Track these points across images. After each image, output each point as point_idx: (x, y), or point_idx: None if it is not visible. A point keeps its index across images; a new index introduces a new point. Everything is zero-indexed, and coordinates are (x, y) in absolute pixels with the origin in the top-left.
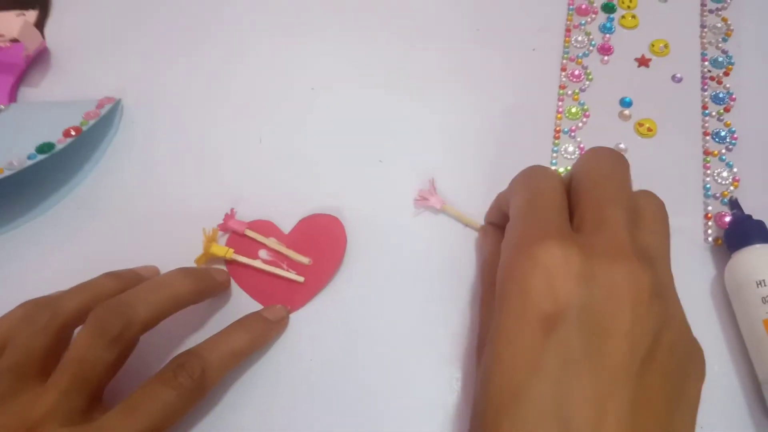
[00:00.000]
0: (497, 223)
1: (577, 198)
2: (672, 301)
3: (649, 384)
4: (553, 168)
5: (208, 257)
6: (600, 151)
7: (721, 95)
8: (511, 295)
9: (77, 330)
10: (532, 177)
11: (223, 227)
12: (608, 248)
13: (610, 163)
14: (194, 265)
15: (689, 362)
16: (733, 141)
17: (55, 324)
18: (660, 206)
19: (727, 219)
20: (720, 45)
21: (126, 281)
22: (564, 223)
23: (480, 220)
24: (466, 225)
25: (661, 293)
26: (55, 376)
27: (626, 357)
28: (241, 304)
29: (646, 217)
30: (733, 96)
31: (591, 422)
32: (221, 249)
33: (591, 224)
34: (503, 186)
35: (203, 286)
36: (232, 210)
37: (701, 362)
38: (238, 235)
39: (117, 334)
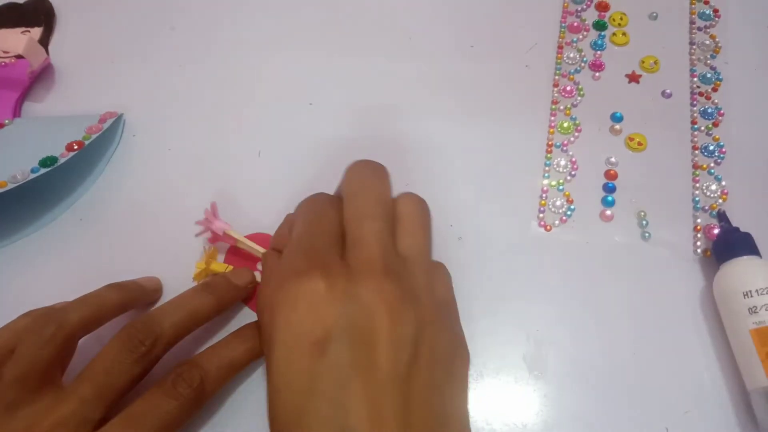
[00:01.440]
0: (280, 248)
1: (344, 215)
2: (429, 304)
3: (416, 381)
4: (335, 196)
5: (208, 273)
6: (356, 166)
7: (709, 110)
8: (280, 325)
9: (82, 340)
10: (311, 206)
11: (205, 224)
12: (362, 266)
13: (364, 176)
14: (193, 281)
15: (452, 353)
16: (722, 155)
17: (60, 335)
18: (417, 208)
19: (716, 231)
20: (708, 61)
21: (129, 292)
22: (333, 250)
23: None
24: (249, 250)
25: (417, 298)
26: (78, 383)
27: (392, 362)
28: (239, 314)
29: (405, 221)
30: (722, 111)
31: (371, 426)
32: (221, 266)
33: (350, 243)
34: (495, 199)
35: (223, 301)
36: (213, 204)
37: (463, 351)
38: (236, 249)
39: (146, 351)
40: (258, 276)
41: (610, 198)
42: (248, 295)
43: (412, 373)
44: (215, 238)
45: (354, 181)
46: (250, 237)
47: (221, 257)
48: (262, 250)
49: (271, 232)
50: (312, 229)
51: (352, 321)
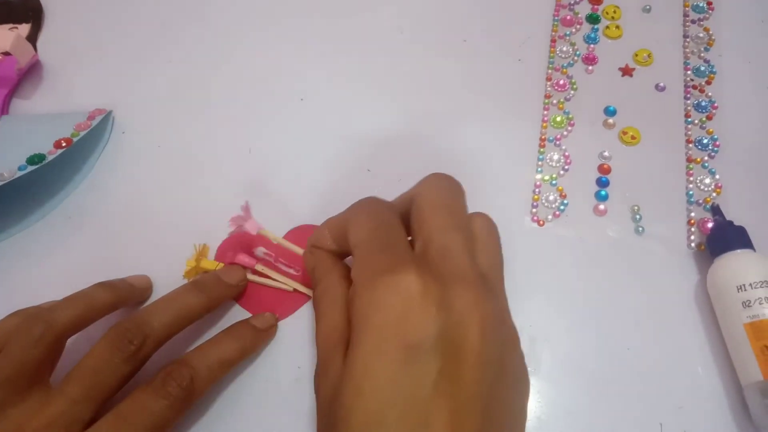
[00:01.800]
0: (325, 249)
1: (418, 225)
2: (509, 325)
3: (496, 400)
4: (388, 202)
5: (198, 271)
6: (438, 177)
7: (703, 103)
8: (371, 324)
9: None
10: (373, 207)
11: (238, 221)
12: (455, 276)
13: (447, 189)
14: (184, 279)
15: (524, 381)
16: (716, 148)
17: (49, 335)
18: (492, 228)
19: (710, 225)
20: (702, 54)
21: (118, 291)
22: (414, 254)
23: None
24: (288, 248)
25: (502, 318)
26: (66, 383)
27: (478, 378)
28: (230, 312)
29: (482, 240)
30: (715, 104)
31: None
32: (211, 263)
33: (435, 253)
34: (488, 194)
35: (213, 299)
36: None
37: (528, 381)
38: (227, 246)
39: (135, 350)
40: (249, 275)
41: (603, 192)
42: (239, 293)
43: (494, 391)
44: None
45: (434, 192)
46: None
47: (212, 255)
48: (300, 250)
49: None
50: (381, 230)
51: (445, 330)
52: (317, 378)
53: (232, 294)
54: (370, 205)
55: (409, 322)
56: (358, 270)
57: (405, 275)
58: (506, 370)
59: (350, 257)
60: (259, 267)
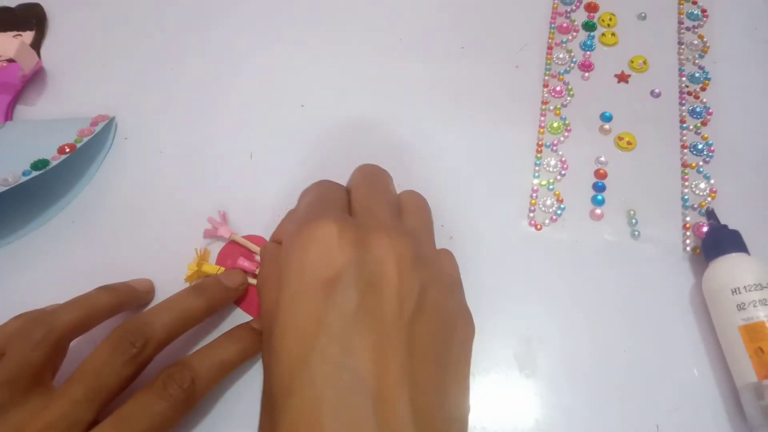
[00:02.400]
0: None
1: (352, 203)
2: (434, 268)
3: (419, 333)
4: (336, 182)
5: (200, 275)
6: (363, 166)
7: (698, 109)
8: (292, 266)
9: (73, 342)
10: (321, 184)
11: (211, 234)
12: (375, 225)
13: (371, 171)
14: (185, 282)
15: (455, 318)
16: (710, 153)
17: (51, 338)
18: (419, 199)
19: (705, 229)
20: (697, 61)
21: (120, 294)
22: (342, 209)
23: None
24: (255, 253)
25: (423, 260)
26: (68, 385)
27: (397, 310)
28: (231, 316)
29: (409, 208)
30: (710, 110)
31: (375, 367)
32: (212, 267)
33: (360, 211)
34: (486, 198)
35: (214, 303)
36: (223, 214)
37: (469, 323)
38: (227, 251)
39: (137, 353)
40: (250, 279)
41: (599, 197)
42: (240, 297)
43: (416, 321)
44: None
45: (362, 174)
46: (245, 239)
47: (213, 259)
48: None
49: (263, 233)
50: (321, 197)
51: (362, 267)
52: (263, 348)
53: (233, 297)
54: (319, 184)
55: (326, 260)
56: (285, 228)
57: (323, 221)
58: (431, 304)
59: None
60: (236, 238)
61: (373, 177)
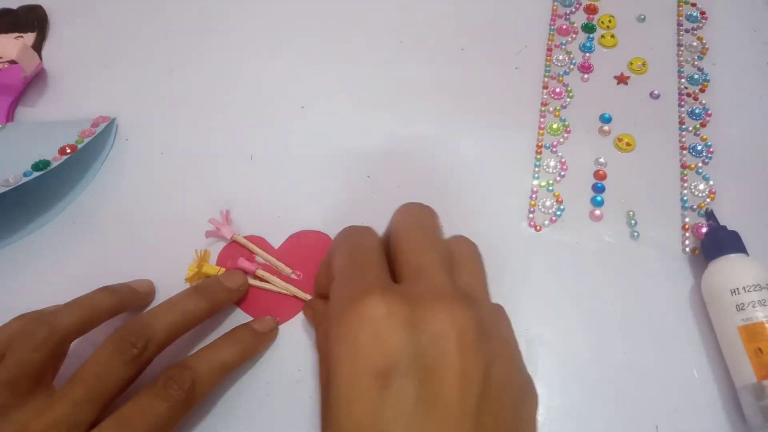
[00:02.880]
0: (325, 293)
1: (394, 251)
2: (498, 337)
3: (486, 420)
4: (370, 227)
5: (200, 276)
6: (409, 206)
7: (697, 111)
8: (341, 357)
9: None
10: (351, 236)
11: (214, 234)
12: (428, 293)
13: (419, 215)
14: (186, 283)
15: (523, 394)
16: (709, 155)
17: (52, 339)
18: (472, 248)
19: (704, 230)
20: (696, 63)
21: (121, 295)
22: (384, 276)
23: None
24: (256, 254)
25: (487, 331)
26: (69, 386)
27: (461, 397)
28: (231, 316)
29: (461, 260)
30: (709, 111)
31: None
32: (213, 268)
33: (409, 273)
34: (486, 200)
35: (214, 304)
36: (226, 214)
37: (533, 393)
38: (228, 252)
39: (138, 354)
40: (250, 279)
41: (599, 198)
42: (240, 298)
43: (482, 407)
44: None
45: (407, 218)
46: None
47: (213, 260)
48: (268, 256)
49: (264, 234)
50: (356, 257)
51: (418, 351)
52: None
53: (233, 298)
54: (348, 235)
55: (376, 348)
56: (331, 304)
57: (368, 301)
58: (498, 384)
59: None
60: (260, 272)
61: (420, 222)
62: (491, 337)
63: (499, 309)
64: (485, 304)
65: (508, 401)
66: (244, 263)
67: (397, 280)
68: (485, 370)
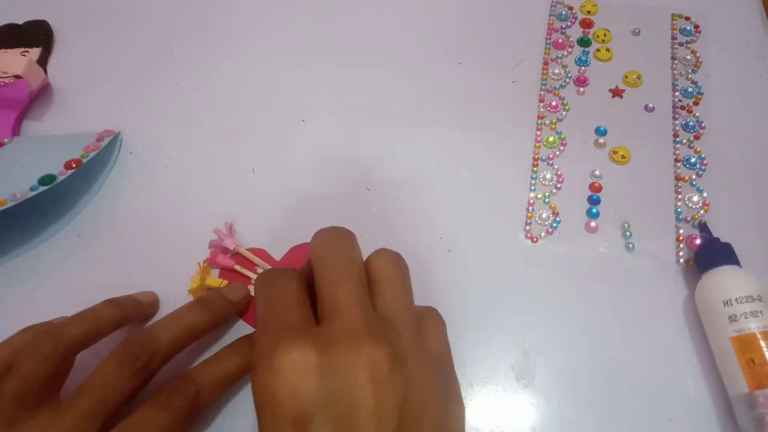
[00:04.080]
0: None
1: (315, 283)
2: (415, 360)
3: None
4: (291, 267)
5: (203, 288)
6: (320, 233)
7: (691, 123)
8: (262, 409)
9: (80, 354)
10: (268, 282)
11: (217, 244)
12: (340, 333)
13: (330, 241)
14: (189, 295)
15: (445, 411)
16: (703, 167)
17: (59, 351)
18: (390, 262)
19: (698, 242)
20: (690, 76)
21: (126, 308)
22: (301, 320)
23: None
24: (258, 266)
25: (401, 359)
26: (76, 398)
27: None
28: (234, 328)
29: (380, 279)
30: (703, 124)
31: None
32: (215, 281)
33: (327, 310)
34: (483, 211)
35: (218, 316)
36: (230, 226)
37: (457, 402)
38: (230, 267)
39: (142, 366)
40: (252, 289)
41: (594, 210)
42: (243, 309)
43: None
44: (212, 259)
45: (321, 249)
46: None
47: (216, 272)
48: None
49: (266, 246)
50: (273, 304)
51: (330, 396)
52: None
53: (236, 310)
54: (265, 280)
55: (290, 397)
56: (253, 355)
57: (279, 351)
58: (416, 409)
59: None
60: (238, 267)
61: (334, 253)
62: (406, 364)
63: (426, 318)
64: (405, 325)
65: (428, 424)
66: (222, 259)
67: (319, 316)
68: (401, 401)
